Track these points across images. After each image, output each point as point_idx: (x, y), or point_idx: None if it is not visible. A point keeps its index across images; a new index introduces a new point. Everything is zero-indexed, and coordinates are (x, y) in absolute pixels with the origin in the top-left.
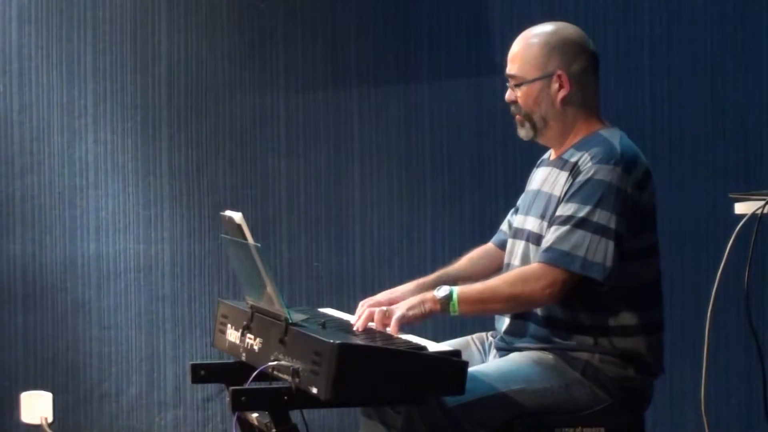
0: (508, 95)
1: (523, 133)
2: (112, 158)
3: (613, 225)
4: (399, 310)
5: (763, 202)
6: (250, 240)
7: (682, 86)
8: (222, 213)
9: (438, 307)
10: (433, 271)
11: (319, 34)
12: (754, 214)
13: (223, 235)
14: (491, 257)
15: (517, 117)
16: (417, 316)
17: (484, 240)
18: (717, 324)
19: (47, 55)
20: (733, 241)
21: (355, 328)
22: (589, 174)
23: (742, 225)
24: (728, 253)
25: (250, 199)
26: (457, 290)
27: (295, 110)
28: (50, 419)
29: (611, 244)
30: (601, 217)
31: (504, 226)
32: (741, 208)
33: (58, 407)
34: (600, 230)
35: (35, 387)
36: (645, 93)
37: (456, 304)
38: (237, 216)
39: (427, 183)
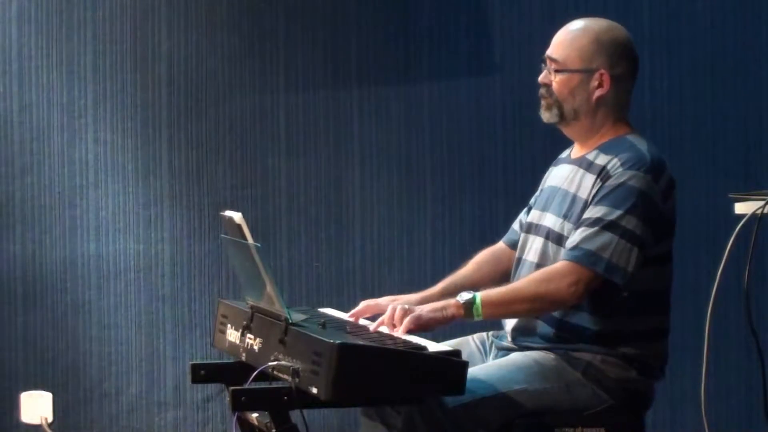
0: (544, 77)
1: (548, 116)
2: (112, 158)
3: (639, 232)
4: (419, 310)
5: (763, 202)
6: (250, 240)
7: (682, 86)
8: (222, 213)
9: (462, 312)
10: (433, 270)
11: (319, 34)
12: (754, 214)
13: (223, 235)
14: (498, 259)
15: (546, 100)
16: (436, 319)
17: (484, 240)
18: (717, 324)
19: (47, 55)
20: (733, 241)
21: (372, 329)
22: (622, 179)
23: (742, 225)
24: (728, 253)
25: (250, 199)
26: (480, 294)
27: (295, 110)
28: (50, 419)
29: (636, 251)
30: (630, 222)
31: (516, 225)
32: (741, 208)
33: (58, 407)
34: (627, 235)
35: (35, 387)
36: (645, 93)
37: (479, 308)
38: (237, 216)
39: (427, 183)
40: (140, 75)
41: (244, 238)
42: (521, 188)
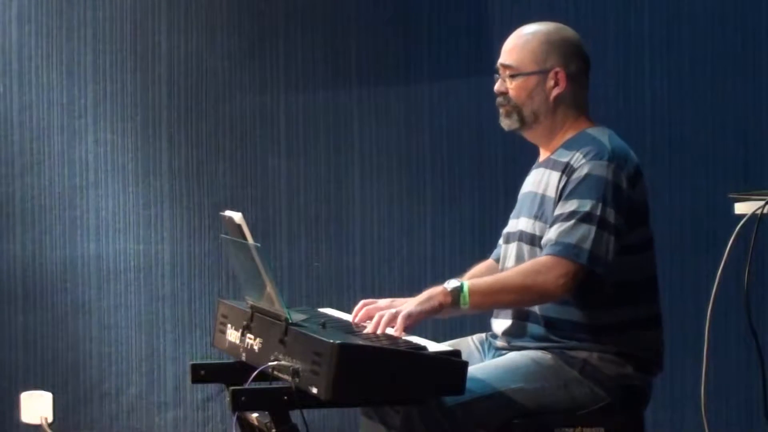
0: (498, 86)
1: (508, 122)
2: (112, 158)
3: (613, 220)
4: (407, 307)
5: (763, 202)
6: (250, 240)
7: (682, 86)
8: (222, 213)
9: (449, 299)
10: (432, 270)
11: (319, 34)
12: (754, 214)
13: (223, 235)
14: (492, 272)
15: (504, 108)
16: (426, 311)
17: (484, 240)
18: (717, 324)
19: (47, 55)
20: (733, 241)
21: (367, 331)
22: (585, 171)
23: (742, 225)
24: (728, 253)
25: (250, 199)
26: (467, 283)
27: (295, 110)
28: (50, 419)
29: (612, 239)
30: (603, 211)
31: (501, 240)
32: (741, 208)
33: (58, 407)
34: (603, 225)
35: (35, 387)
36: (645, 93)
37: (467, 296)
38: (237, 216)
39: (427, 183)
40: (140, 75)
41: (244, 238)
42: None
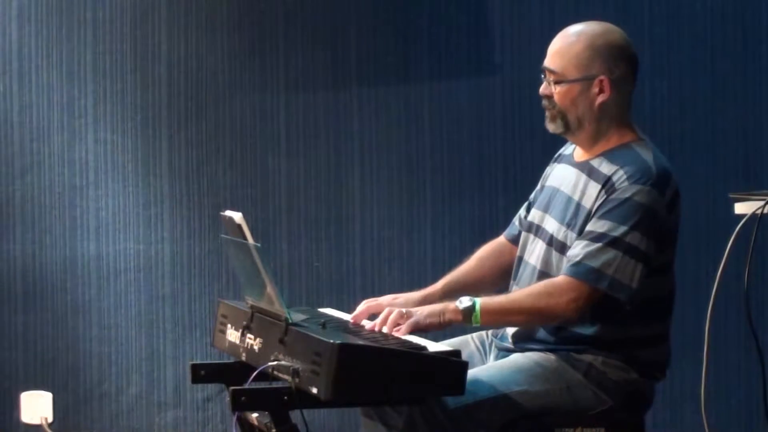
0: (544, 88)
1: (553, 127)
2: (112, 158)
3: (644, 247)
4: (417, 315)
5: (763, 202)
6: (250, 240)
7: (682, 86)
8: (222, 213)
9: (460, 317)
10: (433, 270)
11: (319, 34)
12: (754, 214)
13: (223, 235)
14: (500, 254)
15: (550, 112)
16: (433, 324)
17: (484, 240)
18: (717, 324)
19: (47, 55)
20: (733, 241)
21: (371, 326)
22: (627, 194)
23: (742, 225)
24: (728, 253)
25: (250, 199)
26: (479, 302)
27: (295, 110)
28: (50, 419)
29: (640, 266)
30: (634, 238)
31: (516, 220)
32: (741, 208)
33: (58, 407)
34: (631, 252)
35: (35, 387)
36: (645, 93)
37: (478, 316)
38: (237, 216)
39: (427, 183)
40: (140, 75)
41: (244, 238)
42: (521, 187)
